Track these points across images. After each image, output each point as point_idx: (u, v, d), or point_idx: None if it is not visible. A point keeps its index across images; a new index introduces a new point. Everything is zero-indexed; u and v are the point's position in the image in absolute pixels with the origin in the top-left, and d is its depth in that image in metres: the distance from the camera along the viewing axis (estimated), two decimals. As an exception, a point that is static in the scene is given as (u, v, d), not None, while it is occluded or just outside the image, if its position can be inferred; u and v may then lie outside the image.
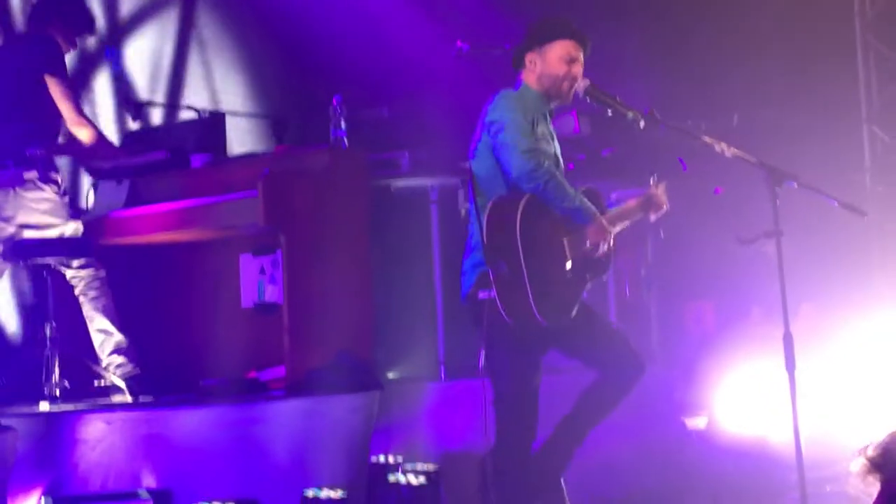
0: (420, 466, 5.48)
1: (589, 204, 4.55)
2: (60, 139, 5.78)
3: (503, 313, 4.34)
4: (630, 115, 4.62)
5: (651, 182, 4.96)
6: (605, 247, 4.60)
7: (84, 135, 5.82)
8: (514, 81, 4.76)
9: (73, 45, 5.91)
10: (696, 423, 6.56)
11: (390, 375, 6.59)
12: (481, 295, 4.38)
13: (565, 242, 4.50)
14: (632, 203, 4.85)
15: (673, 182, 5.21)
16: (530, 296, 4.29)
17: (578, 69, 4.66)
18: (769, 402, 6.08)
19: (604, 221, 4.58)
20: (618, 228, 4.71)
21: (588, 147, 6.63)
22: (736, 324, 7.06)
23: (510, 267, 4.30)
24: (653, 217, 4.92)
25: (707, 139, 4.64)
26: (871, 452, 2.20)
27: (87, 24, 5.96)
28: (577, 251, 4.54)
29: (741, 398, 6.54)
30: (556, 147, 4.74)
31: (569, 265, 4.51)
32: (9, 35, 5.83)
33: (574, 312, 4.56)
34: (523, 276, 4.29)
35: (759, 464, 6.13)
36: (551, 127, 4.75)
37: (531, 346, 4.54)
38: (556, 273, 4.47)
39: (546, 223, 4.45)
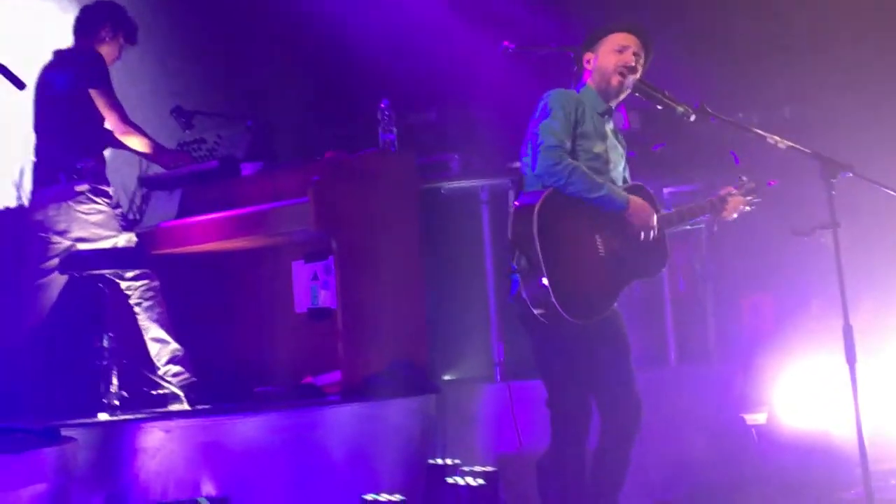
0: (478, 468, 5.46)
1: (619, 191, 4.50)
2: (107, 152, 5.84)
3: (531, 308, 4.32)
4: (680, 109, 4.59)
5: (739, 182, 4.90)
6: (652, 232, 4.52)
7: (134, 143, 5.89)
8: (575, 82, 4.73)
9: (117, 56, 5.97)
10: (756, 418, 6.50)
11: (446, 378, 6.59)
12: (523, 293, 4.36)
13: (598, 239, 4.47)
14: (695, 204, 4.80)
15: (725, 176, 5.16)
16: (551, 293, 4.25)
17: (630, 57, 4.61)
18: (830, 397, 6.01)
19: (643, 203, 4.51)
20: (670, 229, 4.65)
21: (638, 142, 6.57)
22: (795, 317, 6.97)
23: (530, 263, 4.28)
24: (730, 217, 4.84)
25: (759, 131, 4.59)
26: None
27: (131, 34, 6.01)
28: (614, 247, 4.49)
29: (801, 393, 6.47)
30: (616, 144, 4.69)
31: (602, 261, 4.46)
32: (55, 52, 5.88)
33: (608, 311, 4.50)
34: (542, 272, 4.26)
35: (821, 459, 6.05)
36: (610, 125, 4.70)
37: (573, 343, 4.46)
38: (586, 269, 4.42)
39: (575, 219, 4.41)
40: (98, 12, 5.96)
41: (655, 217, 4.54)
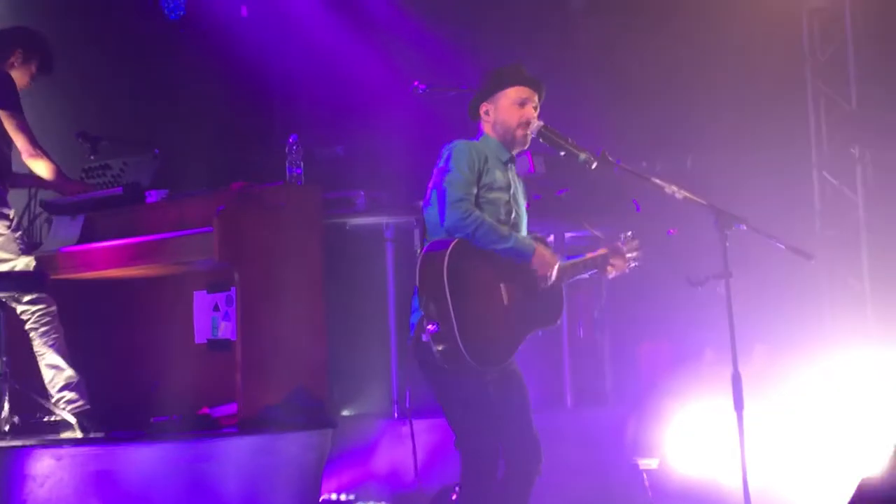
0: (372, 504, 5.47)
1: (525, 241, 4.56)
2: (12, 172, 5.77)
3: (437, 356, 4.35)
4: (582, 156, 4.63)
5: (622, 238, 4.98)
6: (550, 280, 4.59)
7: (41, 168, 5.82)
8: (475, 128, 4.77)
9: (27, 83, 5.91)
10: (649, 463, 6.58)
11: (344, 413, 6.59)
12: (423, 337, 4.39)
13: (503, 288, 4.52)
14: (588, 257, 4.87)
15: (627, 223, 5.25)
16: (458, 339, 4.29)
17: (531, 111, 4.68)
18: (720, 444, 6.11)
19: (545, 251, 4.59)
20: (564, 281, 4.72)
21: (543, 187, 6.67)
22: (689, 364, 7.09)
23: (439, 311, 4.32)
24: (611, 275, 4.93)
25: (657, 181, 4.68)
26: None
27: (46, 62, 5.96)
28: (517, 296, 4.54)
29: (693, 439, 6.57)
30: (517, 192, 4.75)
31: (506, 310, 4.51)
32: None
33: (511, 359, 4.56)
34: (451, 320, 4.29)
35: (709, 505, 6.16)
36: (512, 173, 4.76)
37: (476, 390, 4.48)
38: (491, 317, 4.46)
39: (481, 268, 4.46)
40: (11, 35, 5.91)
41: (557, 267, 4.61)
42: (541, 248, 4.58)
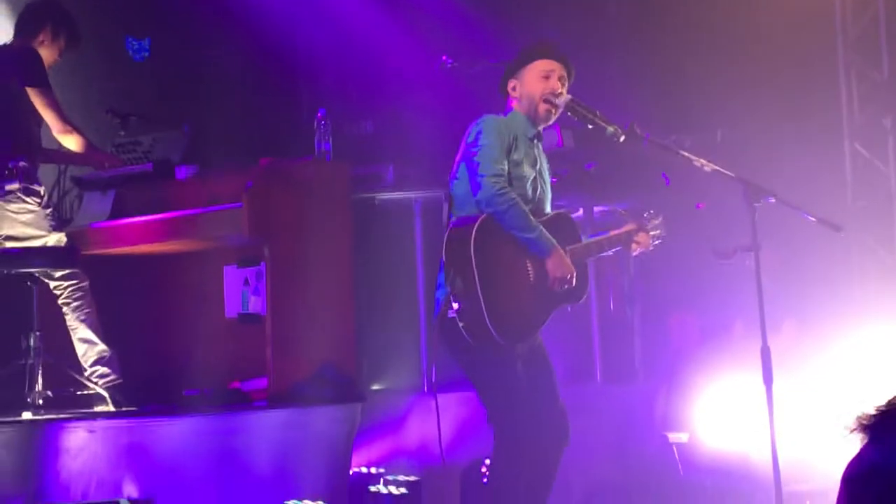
0: (401, 478, 5.49)
1: (549, 238, 4.51)
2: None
3: (463, 333, 4.35)
4: (610, 129, 4.62)
5: (645, 216, 4.97)
6: (566, 284, 4.54)
7: (72, 143, 5.87)
8: (503, 105, 4.76)
9: (56, 58, 5.94)
10: (679, 437, 6.58)
11: (374, 387, 6.61)
12: (450, 313, 4.39)
13: (528, 264, 4.51)
14: (612, 234, 4.87)
15: (656, 197, 5.24)
16: (485, 314, 4.29)
17: (556, 83, 4.67)
18: (750, 418, 6.10)
19: (564, 257, 4.53)
20: (587, 259, 4.72)
21: (571, 161, 6.66)
22: (719, 338, 7.07)
23: (466, 286, 4.32)
24: (635, 252, 4.92)
25: (686, 154, 4.66)
26: (866, 412, 2.21)
27: (74, 38, 5.99)
28: (543, 273, 4.53)
29: (723, 413, 6.56)
30: (543, 168, 4.75)
31: (532, 286, 4.50)
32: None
33: (536, 335, 4.57)
34: (478, 295, 4.30)
35: (740, 480, 6.15)
36: (539, 149, 4.76)
37: (503, 365, 4.49)
38: (518, 293, 4.47)
39: (508, 245, 4.46)
40: (41, 12, 5.94)
41: (572, 275, 4.54)
42: (560, 252, 4.52)
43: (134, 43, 7.12)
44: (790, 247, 6.77)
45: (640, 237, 4.89)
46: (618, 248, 4.90)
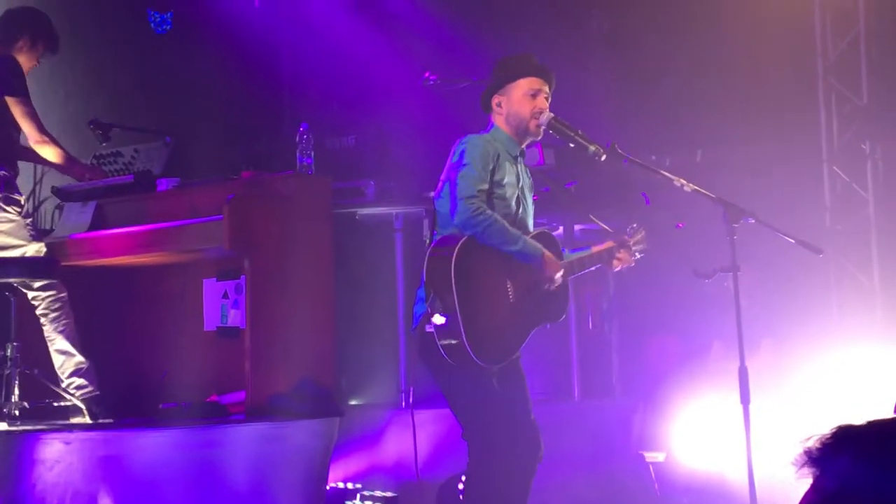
0: (378, 493, 5.49)
1: (534, 244, 4.54)
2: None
3: (441, 352, 4.35)
4: (591, 148, 4.63)
5: (628, 231, 4.99)
6: (555, 285, 4.58)
7: (49, 154, 5.85)
8: (486, 123, 4.76)
9: (36, 62, 5.93)
10: (655, 457, 6.58)
11: (352, 402, 6.61)
12: (427, 328, 4.39)
13: (509, 284, 4.52)
14: (594, 251, 4.88)
15: (636, 216, 5.26)
16: (464, 337, 4.29)
17: (543, 102, 4.68)
18: (727, 438, 6.12)
19: (552, 256, 4.58)
20: (570, 277, 4.73)
21: (552, 179, 6.67)
22: (697, 358, 7.10)
23: (445, 308, 4.33)
24: (616, 268, 4.94)
25: (666, 174, 4.68)
26: (811, 444, 2.22)
27: (52, 44, 5.98)
28: (522, 293, 4.54)
29: (700, 433, 6.57)
30: (525, 186, 4.75)
31: (512, 306, 4.51)
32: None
33: (515, 355, 4.57)
34: (457, 317, 4.30)
35: (715, 499, 6.16)
36: (521, 167, 4.76)
37: (479, 383, 4.48)
38: (497, 314, 4.47)
39: (488, 265, 4.46)
40: (18, 19, 5.92)
41: (562, 272, 4.60)
42: (547, 254, 4.57)
43: (156, 15, 7.10)
44: (769, 268, 6.81)
45: (622, 254, 4.90)
46: (599, 266, 4.91)
